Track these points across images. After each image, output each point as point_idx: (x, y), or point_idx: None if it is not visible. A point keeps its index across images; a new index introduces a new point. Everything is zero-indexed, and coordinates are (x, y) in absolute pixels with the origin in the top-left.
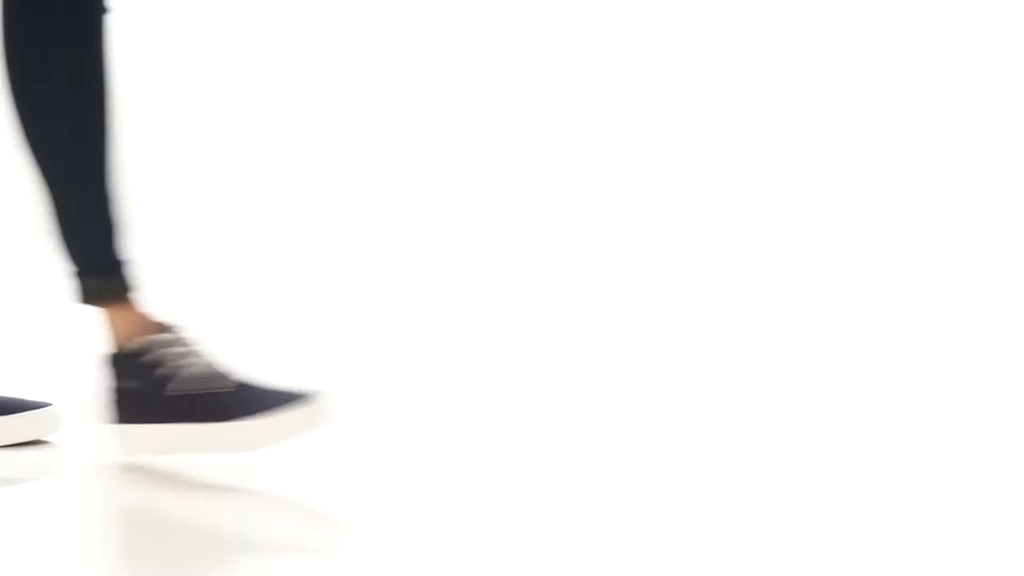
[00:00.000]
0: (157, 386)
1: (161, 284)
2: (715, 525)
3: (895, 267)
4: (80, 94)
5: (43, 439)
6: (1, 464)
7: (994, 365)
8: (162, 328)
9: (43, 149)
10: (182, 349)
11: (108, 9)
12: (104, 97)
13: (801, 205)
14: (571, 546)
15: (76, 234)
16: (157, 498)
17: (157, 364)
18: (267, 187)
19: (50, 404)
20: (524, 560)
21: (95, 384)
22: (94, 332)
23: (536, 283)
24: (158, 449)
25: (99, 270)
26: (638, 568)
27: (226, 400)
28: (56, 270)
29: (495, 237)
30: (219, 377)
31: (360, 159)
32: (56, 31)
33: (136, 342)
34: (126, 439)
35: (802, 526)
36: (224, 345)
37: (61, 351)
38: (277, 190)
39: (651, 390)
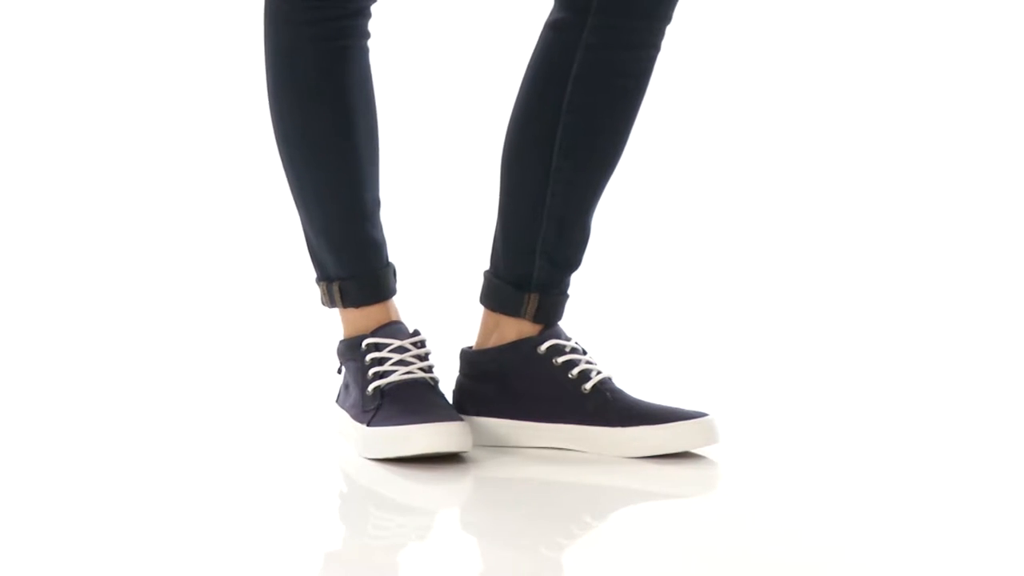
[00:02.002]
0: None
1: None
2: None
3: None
4: (345, 119)
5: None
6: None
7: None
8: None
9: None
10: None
11: (368, 35)
12: (368, 117)
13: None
14: None
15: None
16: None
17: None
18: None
19: (707, 414)
20: None
21: None
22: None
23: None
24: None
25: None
26: None
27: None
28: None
29: None
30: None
31: None
32: (317, 59)
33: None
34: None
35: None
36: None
37: None
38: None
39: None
